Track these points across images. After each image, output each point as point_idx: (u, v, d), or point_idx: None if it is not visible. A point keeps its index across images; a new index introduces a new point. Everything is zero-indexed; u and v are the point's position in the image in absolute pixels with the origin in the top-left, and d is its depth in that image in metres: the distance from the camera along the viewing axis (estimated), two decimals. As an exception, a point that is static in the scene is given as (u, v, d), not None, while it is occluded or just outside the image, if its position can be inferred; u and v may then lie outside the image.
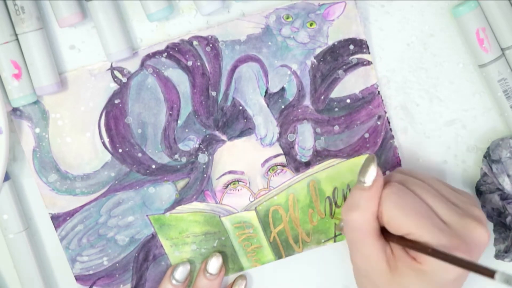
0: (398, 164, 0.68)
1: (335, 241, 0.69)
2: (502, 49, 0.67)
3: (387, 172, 0.68)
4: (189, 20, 0.67)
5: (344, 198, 0.68)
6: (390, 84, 0.68)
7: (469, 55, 0.68)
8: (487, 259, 0.68)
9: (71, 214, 0.67)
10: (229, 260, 0.69)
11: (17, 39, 0.64)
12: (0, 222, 0.66)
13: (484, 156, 0.67)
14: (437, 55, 0.68)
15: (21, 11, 0.63)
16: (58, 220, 0.67)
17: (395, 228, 0.60)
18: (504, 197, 0.67)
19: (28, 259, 0.67)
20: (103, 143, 0.67)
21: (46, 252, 0.69)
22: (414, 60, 0.68)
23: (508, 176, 0.66)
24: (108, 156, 0.67)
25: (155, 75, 0.66)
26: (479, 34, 0.66)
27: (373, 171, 0.60)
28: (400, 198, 0.60)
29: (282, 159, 0.68)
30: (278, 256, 0.69)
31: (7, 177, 0.66)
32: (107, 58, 0.65)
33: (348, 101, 0.68)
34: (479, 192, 0.68)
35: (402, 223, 0.59)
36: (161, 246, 0.68)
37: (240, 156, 0.68)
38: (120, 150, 0.67)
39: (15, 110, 0.66)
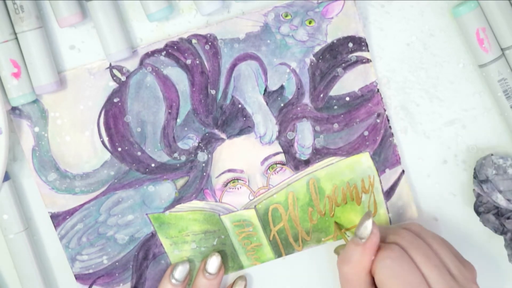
0: (398, 162, 0.68)
1: (335, 240, 0.69)
2: (502, 49, 0.67)
3: (387, 170, 0.68)
4: (189, 20, 0.67)
5: (344, 196, 0.68)
6: (390, 84, 0.68)
7: (469, 55, 0.68)
8: (507, 273, 0.69)
9: (70, 213, 0.67)
10: (229, 258, 0.69)
11: (17, 38, 0.64)
12: (0, 222, 0.66)
13: (474, 177, 0.68)
14: (437, 55, 0.68)
15: (20, 10, 0.63)
16: (57, 219, 0.67)
17: None
18: (502, 213, 0.67)
19: (28, 259, 0.67)
20: (102, 142, 0.67)
21: (46, 252, 0.69)
22: (414, 60, 0.68)
23: (500, 192, 0.66)
24: (107, 155, 0.67)
25: (154, 73, 0.66)
26: (479, 34, 0.66)
27: (368, 227, 0.61)
28: (395, 264, 0.60)
29: (281, 157, 0.68)
30: (278, 254, 0.69)
31: (7, 177, 0.66)
32: (106, 58, 0.65)
33: (347, 99, 0.68)
34: (478, 213, 0.68)
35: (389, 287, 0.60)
36: (161, 244, 0.68)
37: (240, 155, 0.68)
38: (119, 149, 0.67)
39: (14, 109, 0.66)
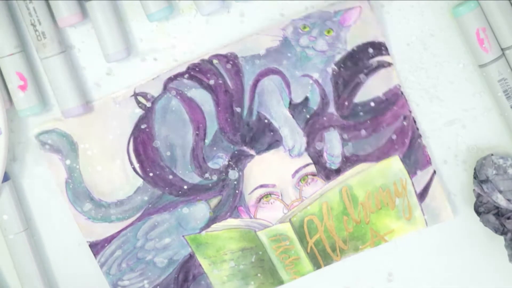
0: (428, 162, 0.68)
1: (372, 246, 0.69)
2: (502, 49, 0.67)
3: (419, 172, 0.68)
4: (189, 20, 0.67)
5: (377, 202, 0.68)
6: None
7: (469, 55, 0.68)
8: (507, 273, 0.69)
9: (108, 240, 0.68)
10: (268, 274, 0.69)
11: (23, 51, 0.65)
12: (0, 223, 0.67)
13: (474, 177, 0.67)
14: (437, 55, 0.68)
15: (42, 37, 0.64)
16: (96, 247, 0.68)
17: None
18: (502, 213, 0.67)
19: (28, 259, 0.67)
20: (134, 169, 0.67)
21: (46, 252, 0.69)
22: (414, 60, 0.68)
23: (500, 192, 0.66)
24: (139, 181, 0.68)
25: (178, 97, 0.67)
26: (479, 34, 0.66)
27: None
28: None
29: (312, 168, 0.68)
30: (317, 266, 0.69)
31: (7, 178, 0.67)
32: (104, 58, 0.65)
33: (372, 104, 0.68)
34: (478, 213, 0.68)
35: None
36: (200, 265, 0.69)
37: (270, 169, 0.68)
38: (151, 174, 0.68)
39: (43, 144, 0.67)
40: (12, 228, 0.67)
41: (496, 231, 0.67)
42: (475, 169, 0.68)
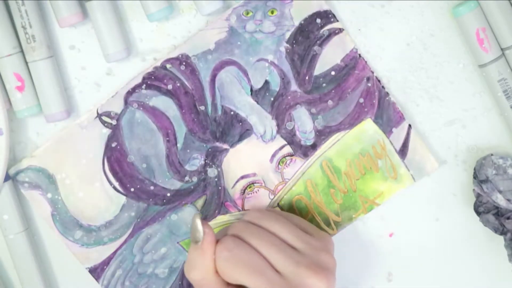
0: (402, 118, 0.67)
1: (365, 213, 0.69)
2: (502, 49, 0.66)
3: (394, 130, 0.67)
4: (189, 20, 0.67)
5: (360, 168, 0.68)
6: (390, 84, 0.68)
7: (469, 55, 0.67)
8: (507, 273, 0.69)
9: (106, 262, 0.69)
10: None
11: (21, 52, 0.65)
12: (0, 223, 0.67)
13: (474, 177, 0.67)
14: (437, 55, 0.67)
15: (32, 40, 0.64)
16: (96, 271, 0.69)
17: (231, 282, 0.60)
18: (502, 213, 0.66)
19: (28, 259, 0.68)
20: (114, 188, 0.68)
21: (46, 252, 0.70)
22: (414, 60, 0.68)
23: (500, 192, 0.65)
24: (123, 199, 0.68)
25: (141, 108, 0.67)
26: (479, 34, 0.65)
27: (199, 228, 0.60)
28: (232, 253, 0.59)
29: (288, 149, 0.68)
30: (313, 243, 0.69)
31: (7, 178, 0.67)
32: (105, 58, 0.66)
33: (332, 73, 0.67)
34: (478, 213, 0.67)
35: (236, 278, 0.59)
36: (200, 267, 0.69)
37: (247, 159, 0.68)
38: (132, 189, 0.68)
39: (22, 183, 0.68)
40: (12, 228, 0.67)
41: (495, 231, 0.67)
42: (475, 169, 0.67)
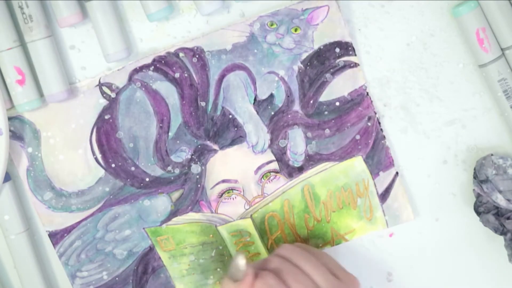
0: (391, 164, 0.68)
1: (332, 245, 0.69)
2: (502, 49, 0.67)
3: (381, 173, 0.68)
4: (189, 20, 0.67)
5: (339, 201, 0.68)
6: (390, 84, 0.68)
7: (469, 55, 0.68)
8: (507, 273, 0.69)
9: (68, 230, 0.68)
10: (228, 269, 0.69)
11: (21, 45, 0.64)
12: (1, 223, 0.67)
13: (474, 177, 0.67)
14: (437, 55, 0.68)
15: (29, 20, 0.63)
16: (55, 237, 0.68)
17: None
18: (502, 213, 0.67)
19: (29, 260, 0.67)
20: (96, 159, 0.67)
21: (47, 253, 0.69)
22: (414, 60, 0.68)
23: (500, 192, 0.66)
24: (101, 172, 0.67)
25: (143, 88, 0.67)
26: (479, 34, 0.66)
27: (243, 269, 0.61)
28: None
29: (274, 165, 0.68)
30: (276, 262, 0.69)
31: (8, 178, 0.67)
32: (105, 58, 0.65)
33: (337, 104, 0.68)
34: (478, 213, 0.68)
35: None
36: (159, 258, 0.69)
37: (233, 165, 0.68)
38: (113, 165, 0.67)
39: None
40: (13, 228, 0.67)
41: (496, 231, 0.67)
42: (475, 169, 0.68)
